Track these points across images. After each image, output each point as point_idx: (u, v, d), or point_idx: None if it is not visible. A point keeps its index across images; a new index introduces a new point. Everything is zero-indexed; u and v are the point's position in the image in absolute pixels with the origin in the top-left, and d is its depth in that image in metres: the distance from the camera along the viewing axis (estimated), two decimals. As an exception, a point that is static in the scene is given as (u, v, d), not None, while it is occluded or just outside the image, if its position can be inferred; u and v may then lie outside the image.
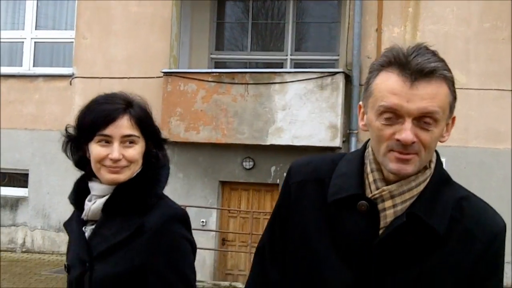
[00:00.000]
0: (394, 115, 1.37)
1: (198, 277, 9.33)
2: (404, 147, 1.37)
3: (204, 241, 9.23)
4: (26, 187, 10.40)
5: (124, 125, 1.83)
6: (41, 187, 10.22)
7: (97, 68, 10.06)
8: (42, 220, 10.20)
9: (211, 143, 9.31)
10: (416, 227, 1.42)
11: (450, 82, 1.40)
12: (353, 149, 8.77)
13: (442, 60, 1.41)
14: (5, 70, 10.63)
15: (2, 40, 10.81)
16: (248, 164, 9.42)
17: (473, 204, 1.49)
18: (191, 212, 8.31)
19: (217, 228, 9.60)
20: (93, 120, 1.83)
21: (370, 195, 1.47)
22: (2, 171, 10.60)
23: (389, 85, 1.38)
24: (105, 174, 1.86)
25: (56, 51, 10.70)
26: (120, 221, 1.86)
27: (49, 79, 10.31)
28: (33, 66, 10.60)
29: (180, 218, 1.90)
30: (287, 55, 10.30)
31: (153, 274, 1.82)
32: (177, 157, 9.63)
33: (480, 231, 1.45)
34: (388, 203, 1.44)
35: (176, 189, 9.56)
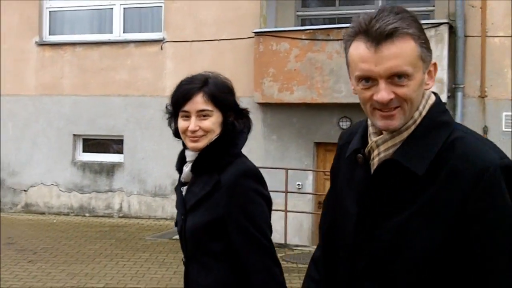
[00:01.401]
0: (369, 79, 1.50)
1: (296, 241, 9.19)
2: (384, 105, 1.50)
3: (301, 204, 9.19)
4: (122, 153, 10.64)
5: (198, 102, 2.20)
6: (136, 152, 10.44)
7: (187, 32, 10.09)
8: (138, 186, 10.45)
9: (306, 103, 9.18)
10: (397, 172, 1.54)
11: (415, 36, 1.50)
12: (459, 104, 8.44)
13: (405, 18, 1.51)
14: (96, 37, 10.89)
15: (92, 8, 11.01)
16: (344, 124, 9.24)
17: (466, 143, 1.52)
18: (285, 175, 8.23)
19: (314, 190, 9.51)
20: (176, 99, 2.25)
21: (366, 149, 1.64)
22: (97, 137, 10.91)
23: (358, 54, 1.52)
24: (188, 143, 2.27)
25: (145, 16, 10.79)
26: (204, 179, 2.25)
27: (140, 45, 10.45)
28: (123, 32, 10.74)
29: (251, 174, 2.23)
30: (377, 8, 9.92)
31: (231, 223, 2.16)
32: (271, 119, 9.57)
33: (467, 168, 1.46)
34: (375, 153, 1.60)
35: (270, 152, 9.54)
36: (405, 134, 1.56)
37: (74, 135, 10.89)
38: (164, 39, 10.25)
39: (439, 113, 1.59)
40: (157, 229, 9.59)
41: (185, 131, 2.23)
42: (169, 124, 2.38)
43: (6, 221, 10.40)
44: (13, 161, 11.18)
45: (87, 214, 10.77)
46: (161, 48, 10.23)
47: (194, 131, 2.21)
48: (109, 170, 10.68)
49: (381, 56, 1.48)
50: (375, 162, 1.61)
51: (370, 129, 1.65)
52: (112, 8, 10.85)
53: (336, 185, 1.84)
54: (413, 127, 1.56)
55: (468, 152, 1.49)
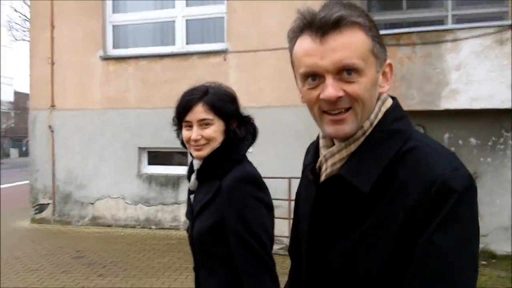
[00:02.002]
0: (315, 76, 1.35)
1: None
2: (332, 105, 1.34)
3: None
4: (186, 165, 10.59)
5: (199, 111, 2.32)
6: (201, 164, 10.37)
7: (250, 41, 10.01)
8: (204, 197, 10.37)
9: (375, 111, 8.89)
10: (343, 189, 1.39)
11: (366, 27, 1.36)
12: (539, 109, 8.00)
13: (353, 9, 1.37)
14: (159, 50, 10.93)
15: (154, 21, 11.08)
16: (417, 132, 8.89)
17: (416, 154, 1.34)
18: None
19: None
20: (178, 111, 2.38)
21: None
22: (162, 150, 10.93)
23: (302, 49, 1.37)
24: (192, 152, 2.40)
25: (207, 27, 10.77)
26: (206, 186, 2.36)
27: (203, 56, 10.43)
28: (186, 44, 10.75)
29: (249, 179, 2.27)
30: (447, 11, 9.60)
31: (228, 227, 2.23)
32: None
33: (415, 181, 1.29)
34: (323, 168, 1.46)
35: (338, 162, 9.31)
36: (353, 147, 1.41)
37: (139, 148, 10.95)
38: (227, 49, 10.19)
39: (393, 121, 1.42)
40: (224, 242, 9.48)
41: (189, 140, 2.36)
42: (177, 136, 2.51)
43: (74, 234, 10.55)
44: (80, 174, 11.35)
45: (153, 227, 10.80)
46: (224, 59, 10.18)
47: (196, 140, 2.33)
48: (175, 182, 10.68)
49: (327, 47, 1.33)
50: (322, 179, 1.47)
51: (321, 142, 1.51)
52: (174, 21, 10.89)
53: (298, 206, 1.75)
54: (362, 139, 1.40)
55: (418, 165, 1.32)
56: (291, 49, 1.44)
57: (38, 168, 11.79)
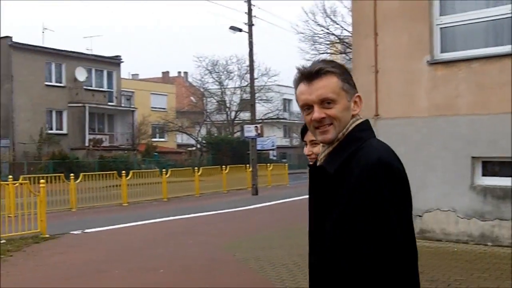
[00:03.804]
0: (308, 106, 2.20)
1: None
2: (319, 122, 2.17)
3: None
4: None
5: (309, 135, 2.91)
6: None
7: None
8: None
9: None
10: (322, 174, 2.19)
11: (337, 73, 2.18)
12: None
13: (331, 63, 2.22)
14: (494, 50, 10.28)
15: (487, 19, 10.38)
16: None
17: (363, 150, 2.10)
18: None
19: None
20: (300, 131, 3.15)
21: None
22: (500, 160, 10.14)
23: (299, 90, 2.23)
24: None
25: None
26: None
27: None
28: (527, 42, 9.82)
29: None
30: None
31: None
32: None
33: (356, 166, 2.07)
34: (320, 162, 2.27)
35: None
36: (331, 148, 2.19)
37: (473, 157, 10.33)
38: None
39: (357, 131, 2.19)
40: None
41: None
42: None
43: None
44: (406, 185, 11.13)
45: (489, 243, 10.04)
46: None
47: (307, 155, 3.00)
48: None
49: (312, 88, 2.17)
50: None
51: (321, 147, 2.30)
52: (511, 17, 10.02)
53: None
54: (336, 143, 2.18)
55: (361, 156, 2.08)
56: (295, 92, 2.26)
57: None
